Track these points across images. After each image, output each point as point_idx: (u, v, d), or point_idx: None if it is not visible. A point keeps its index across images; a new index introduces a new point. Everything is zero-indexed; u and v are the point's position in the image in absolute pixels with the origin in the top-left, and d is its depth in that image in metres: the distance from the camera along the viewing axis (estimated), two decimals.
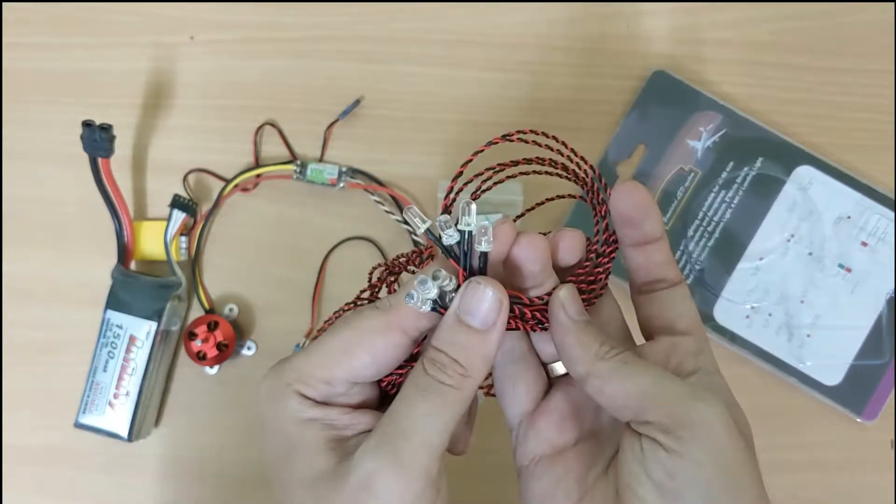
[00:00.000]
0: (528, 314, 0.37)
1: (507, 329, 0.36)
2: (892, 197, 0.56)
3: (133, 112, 0.59)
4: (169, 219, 0.55)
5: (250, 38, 0.60)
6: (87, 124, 0.51)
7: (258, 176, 0.58)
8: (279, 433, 0.36)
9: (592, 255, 0.38)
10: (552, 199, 0.45)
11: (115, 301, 0.54)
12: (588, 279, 0.38)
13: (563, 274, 0.39)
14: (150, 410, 0.55)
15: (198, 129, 0.59)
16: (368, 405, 0.38)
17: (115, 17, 0.60)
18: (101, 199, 0.54)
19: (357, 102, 0.58)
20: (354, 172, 0.57)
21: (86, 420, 0.54)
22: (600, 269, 0.38)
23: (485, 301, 0.35)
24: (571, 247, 0.38)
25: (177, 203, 0.56)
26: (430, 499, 0.35)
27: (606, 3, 0.59)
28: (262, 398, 0.37)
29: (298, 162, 0.57)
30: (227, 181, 0.57)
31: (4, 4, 0.60)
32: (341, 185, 0.56)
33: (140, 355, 0.54)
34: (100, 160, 0.53)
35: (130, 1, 0.60)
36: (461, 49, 0.59)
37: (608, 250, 0.38)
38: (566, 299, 0.36)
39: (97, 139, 0.52)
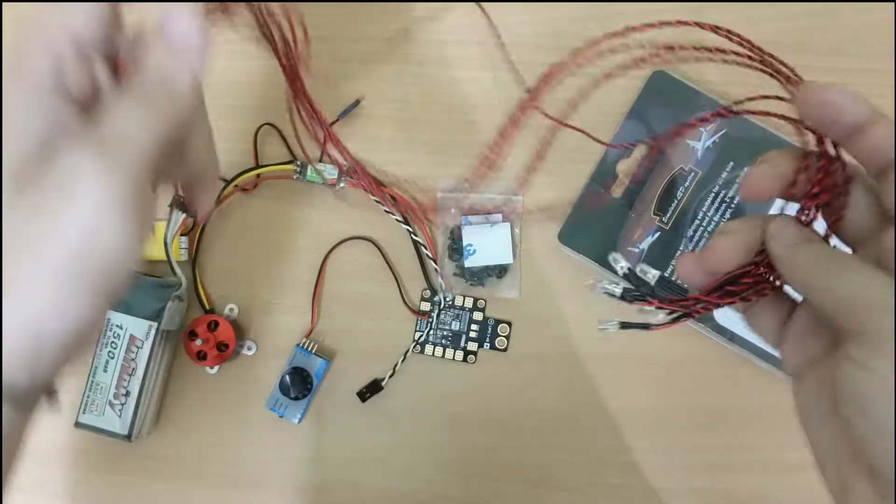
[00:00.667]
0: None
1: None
2: None
3: None
4: (169, 219, 0.55)
5: (250, 37, 0.60)
6: None
7: (258, 176, 0.58)
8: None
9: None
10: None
11: (115, 301, 0.54)
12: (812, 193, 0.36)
13: None
14: (150, 410, 0.55)
15: None
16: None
17: None
18: None
19: (357, 102, 0.58)
20: (354, 172, 0.57)
21: (85, 420, 0.54)
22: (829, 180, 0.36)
23: (186, 26, 0.34)
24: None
25: (176, 203, 0.56)
26: (140, 208, 0.32)
27: (606, 3, 0.59)
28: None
29: (298, 162, 0.57)
30: (227, 181, 0.57)
31: (4, 4, 0.60)
32: (341, 184, 0.56)
33: (140, 355, 0.54)
34: None
35: (130, 1, 0.60)
36: (461, 49, 0.59)
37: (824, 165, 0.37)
38: (773, 232, 0.35)
39: None
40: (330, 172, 0.57)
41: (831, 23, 0.58)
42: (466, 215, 0.57)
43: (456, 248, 0.57)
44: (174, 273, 0.55)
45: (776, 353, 0.54)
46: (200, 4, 0.34)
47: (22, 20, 0.39)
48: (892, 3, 0.58)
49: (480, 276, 0.57)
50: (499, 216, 0.57)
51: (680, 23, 0.37)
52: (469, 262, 0.57)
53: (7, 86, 0.32)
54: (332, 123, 0.58)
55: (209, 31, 0.34)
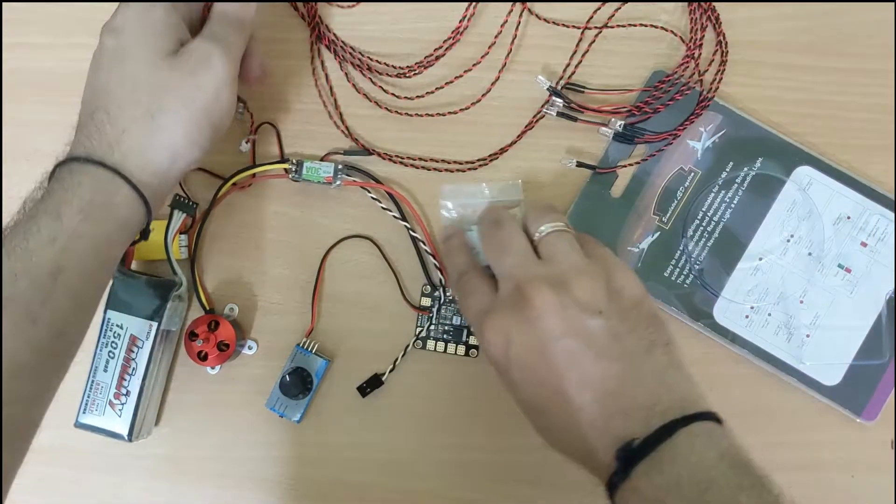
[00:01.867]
0: None
1: None
2: (892, 197, 0.56)
3: None
4: (169, 219, 0.55)
5: (252, 37, 0.60)
6: None
7: (254, 175, 0.58)
8: (139, 26, 0.47)
9: None
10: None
11: (115, 301, 0.54)
12: None
13: None
14: (150, 410, 0.55)
15: None
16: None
17: None
18: None
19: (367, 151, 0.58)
20: (350, 170, 0.57)
21: (86, 420, 0.54)
22: None
23: None
24: None
25: (177, 203, 0.56)
26: (235, 85, 0.49)
27: (606, 3, 0.58)
28: (122, 10, 0.48)
29: (294, 160, 0.57)
30: (224, 180, 0.57)
31: (4, 4, 0.60)
32: (337, 182, 0.56)
33: (141, 355, 0.54)
34: None
35: (131, 1, 0.60)
36: (460, 49, 0.59)
37: None
38: None
39: None
40: (325, 170, 0.56)
41: (831, 23, 0.59)
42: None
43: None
44: (175, 273, 0.55)
45: (779, 355, 0.54)
46: None
47: None
48: (892, 3, 0.58)
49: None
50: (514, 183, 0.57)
51: None
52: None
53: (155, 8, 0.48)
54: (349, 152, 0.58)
55: None
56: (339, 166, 0.56)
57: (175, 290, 0.55)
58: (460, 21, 0.58)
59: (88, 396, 0.54)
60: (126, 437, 0.54)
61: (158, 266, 0.57)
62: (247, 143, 0.58)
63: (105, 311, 0.54)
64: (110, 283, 0.54)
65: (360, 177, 0.57)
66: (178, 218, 0.55)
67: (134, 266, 0.57)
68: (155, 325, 0.54)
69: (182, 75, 0.46)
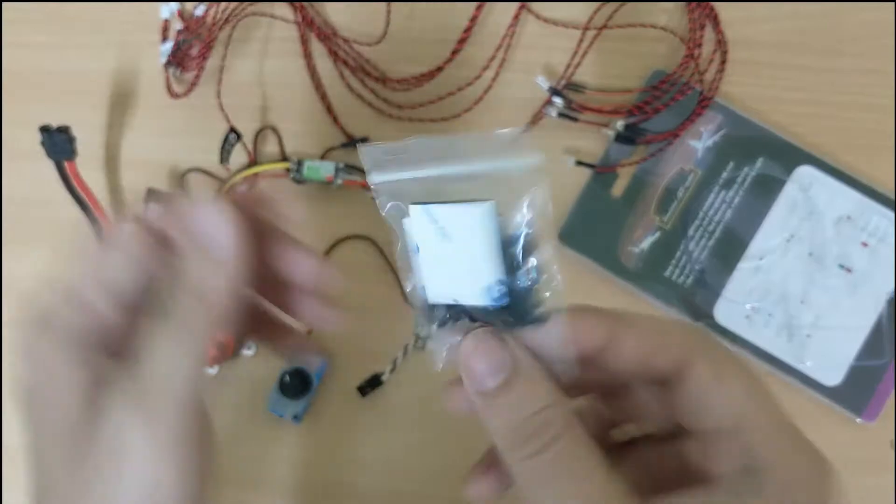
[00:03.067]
0: None
1: None
2: (893, 197, 0.56)
3: (134, 112, 0.59)
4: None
5: (250, 37, 0.60)
6: (44, 129, 0.51)
7: (255, 175, 0.58)
8: (37, 390, 0.33)
9: None
10: None
11: None
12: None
13: None
14: None
15: (197, 130, 0.58)
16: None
17: (115, 17, 0.60)
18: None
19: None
20: (351, 169, 0.57)
21: None
22: None
23: (216, 227, 0.31)
24: None
25: (152, 197, 0.56)
26: (197, 448, 0.30)
27: (606, 3, 0.58)
28: (22, 354, 0.33)
29: (295, 159, 0.57)
30: (224, 181, 0.57)
31: (4, 4, 0.60)
32: (338, 182, 0.56)
33: None
34: (65, 163, 0.52)
35: (132, 0, 0.60)
36: (461, 48, 0.59)
37: None
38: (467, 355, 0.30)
39: (57, 142, 0.52)
40: (326, 170, 0.56)
41: (831, 23, 0.58)
42: (421, 203, 0.31)
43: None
44: None
45: (780, 355, 0.54)
46: (227, 198, 0.31)
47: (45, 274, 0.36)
48: (892, 3, 0.58)
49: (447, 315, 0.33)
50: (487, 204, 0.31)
51: None
52: (430, 295, 0.33)
53: (42, 349, 0.32)
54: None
55: (242, 224, 0.31)
56: (340, 166, 0.56)
57: None
58: (464, 31, 0.58)
59: None
60: None
61: None
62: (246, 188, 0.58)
63: None
64: None
65: (360, 176, 0.57)
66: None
67: None
68: None
69: (84, 486, 0.31)
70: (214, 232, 0.30)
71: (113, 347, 0.32)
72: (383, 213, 0.32)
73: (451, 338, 0.31)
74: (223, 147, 0.56)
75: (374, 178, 0.31)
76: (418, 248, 0.31)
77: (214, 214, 0.30)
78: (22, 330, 0.32)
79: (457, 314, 0.31)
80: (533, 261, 0.29)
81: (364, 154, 0.31)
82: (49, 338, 0.32)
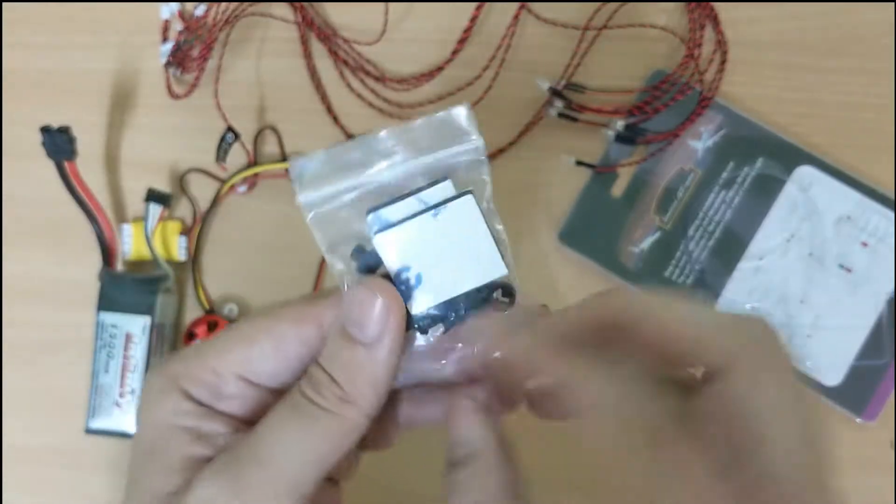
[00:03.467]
0: None
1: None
2: (893, 197, 0.56)
3: (134, 112, 0.59)
4: (146, 213, 0.55)
5: (250, 37, 0.60)
6: (45, 130, 0.51)
7: (256, 175, 0.58)
8: (145, 436, 0.31)
9: None
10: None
11: (105, 302, 0.54)
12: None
13: None
14: None
15: (197, 130, 0.58)
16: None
17: (115, 17, 0.60)
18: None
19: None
20: None
21: (96, 424, 0.54)
22: None
23: (370, 309, 0.29)
24: None
25: (151, 196, 0.56)
26: None
27: (606, 3, 0.58)
28: (143, 393, 0.32)
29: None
30: (224, 181, 0.57)
31: (4, 4, 0.60)
32: None
33: (139, 351, 0.54)
34: (66, 164, 0.52)
35: (132, 0, 0.60)
36: (461, 49, 0.59)
37: None
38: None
39: (58, 142, 0.51)
40: None
41: (831, 23, 0.58)
42: (376, 208, 0.32)
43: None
44: (159, 266, 0.55)
45: None
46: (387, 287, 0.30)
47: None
48: (892, 3, 0.58)
49: (451, 313, 0.32)
50: (444, 185, 0.32)
51: None
52: (419, 306, 0.32)
53: (162, 403, 0.31)
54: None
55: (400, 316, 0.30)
56: None
57: (163, 283, 0.55)
58: (464, 31, 0.58)
59: (95, 401, 0.54)
60: None
61: (146, 265, 0.58)
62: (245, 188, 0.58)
63: (97, 314, 0.54)
64: (98, 285, 0.55)
65: None
66: (155, 211, 0.56)
67: (133, 267, 0.57)
68: (148, 319, 0.54)
69: None
70: (368, 320, 0.30)
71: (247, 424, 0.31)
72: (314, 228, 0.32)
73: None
74: (220, 146, 0.56)
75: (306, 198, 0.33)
76: (406, 269, 0.31)
77: (370, 298, 0.30)
78: (160, 365, 0.32)
79: (446, 316, 0.32)
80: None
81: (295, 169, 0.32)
82: (167, 381, 0.31)
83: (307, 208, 0.32)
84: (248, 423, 0.31)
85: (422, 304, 0.31)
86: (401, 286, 0.31)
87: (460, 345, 0.32)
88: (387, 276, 0.31)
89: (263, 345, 0.31)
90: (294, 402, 0.29)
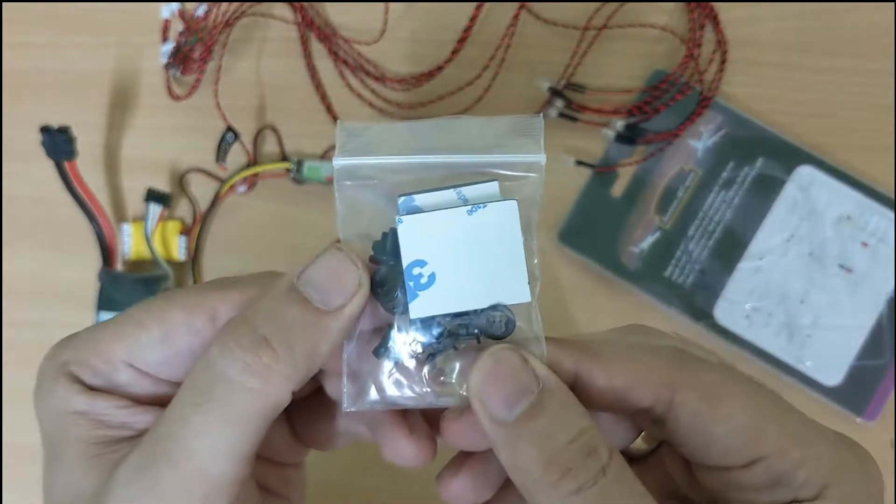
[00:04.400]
0: None
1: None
2: (893, 197, 0.56)
3: (134, 112, 0.59)
4: (146, 213, 0.55)
5: (250, 37, 0.60)
6: (45, 130, 0.51)
7: (255, 175, 0.58)
8: (46, 434, 0.29)
9: None
10: None
11: (105, 302, 0.54)
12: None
13: None
14: None
15: (197, 130, 0.58)
16: (160, 403, 0.28)
17: (114, 17, 0.60)
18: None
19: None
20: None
21: None
22: None
23: (344, 276, 0.27)
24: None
25: (151, 196, 0.56)
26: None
27: (606, 3, 0.58)
28: (36, 385, 0.30)
29: (295, 159, 0.57)
30: (223, 181, 0.57)
31: (4, 4, 0.60)
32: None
33: None
34: (66, 164, 0.52)
35: (131, 0, 0.60)
36: (461, 49, 0.59)
37: None
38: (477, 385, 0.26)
39: (58, 142, 0.51)
40: (327, 169, 0.56)
41: (831, 23, 0.58)
42: (410, 193, 0.29)
43: (382, 283, 0.29)
44: (159, 266, 0.55)
45: (780, 355, 0.54)
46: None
47: None
48: (892, 3, 0.58)
49: (458, 338, 0.29)
50: (489, 186, 0.29)
51: None
52: (420, 309, 0.28)
53: (53, 388, 0.29)
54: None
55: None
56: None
57: (163, 282, 0.55)
58: (464, 31, 0.58)
59: None
60: None
61: (146, 265, 0.58)
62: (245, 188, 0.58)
63: (97, 314, 0.54)
64: (98, 285, 0.55)
65: None
66: (155, 211, 0.56)
67: (133, 267, 0.57)
68: None
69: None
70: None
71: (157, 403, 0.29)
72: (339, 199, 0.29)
73: (452, 361, 0.28)
74: (220, 146, 0.56)
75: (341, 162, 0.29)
76: (420, 263, 0.28)
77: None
78: (40, 374, 0.30)
79: (454, 330, 0.28)
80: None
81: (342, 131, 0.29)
82: (57, 367, 0.29)
83: (341, 175, 0.29)
84: (142, 403, 0.29)
85: (425, 308, 0.28)
86: (409, 281, 0.27)
87: (442, 378, 0.28)
88: (393, 270, 0.28)
89: (152, 331, 0.28)
90: (201, 379, 0.26)
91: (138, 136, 0.59)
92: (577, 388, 0.27)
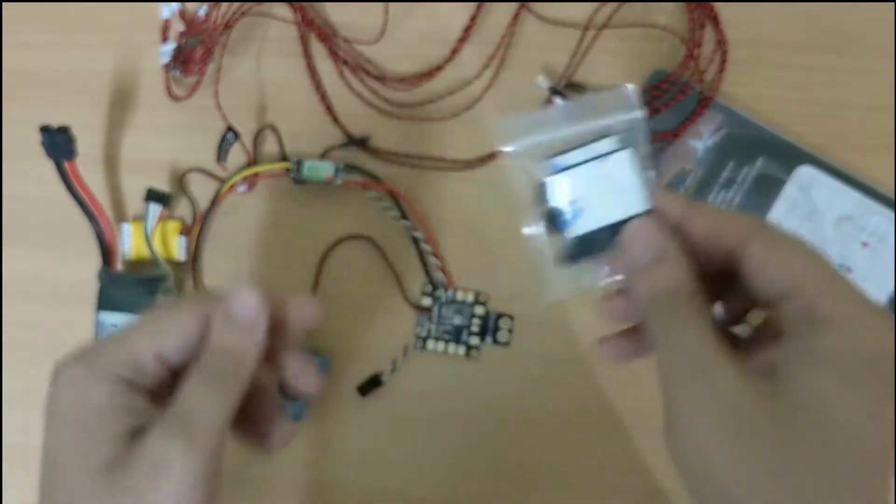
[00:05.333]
0: None
1: None
2: (893, 197, 0.56)
3: (134, 112, 0.59)
4: (146, 213, 0.55)
5: (250, 37, 0.60)
6: (44, 129, 0.51)
7: (255, 175, 0.58)
8: (76, 421, 0.36)
9: None
10: None
11: (105, 302, 0.54)
12: None
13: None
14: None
15: (197, 130, 0.58)
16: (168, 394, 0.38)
17: (114, 17, 0.60)
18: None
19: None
20: (351, 169, 0.57)
21: None
22: None
23: (245, 305, 0.38)
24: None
25: (150, 196, 0.56)
26: (216, 477, 0.36)
27: (606, 2, 0.58)
28: (63, 384, 0.36)
29: (294, 159, 0.57)
30: (223, 180, 0.57)
31: (4, 4, 0.60)
32: (338, 182, 0.56)
33: None
34: (65, 163, 0.52)
35: (132, 0, 0.60)
36: (461, 48, 0.59)
37: None
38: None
39: (58, 142, 0.51)
40: (326, 169, 0.56)
41: (831, 23, 0.58)
42: (554, 157, 0.39)
43: (548, 216, 0.40)
44: (159, 266, 0.55)
45: None
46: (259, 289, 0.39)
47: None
48: (892, 3, 0.58)
49: (594, 245, 0.39)
50: (609, 141, 0.39)
51: None
52: (576, 230, 0.39)
53: (91, 389, 0.36)
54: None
55: (267, 309, 0.39)
56: (340, 165, 0.56)
57: (162, 283, 0.55)
58: (464, 31, 0.58)
59: None
60: None
61: (145, 266, 0.58)
62: (245, 188, 0.58)
63: (97, 314, 0.54)
64: (98, 285, 0.55)
65: (360, 176, 0.57)
66: (155, 211, 0.56)
67: (132, 267, 0.57)
68: None
69: (125, 498, 0.34)
70: (248, 308, 0.38)
71: (153, 397, 0.38)
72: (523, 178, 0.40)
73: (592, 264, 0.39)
74: (220, 146, 0.56)
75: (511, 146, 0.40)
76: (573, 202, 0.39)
77: (249, 296, 0.38)
78: (67, 361, 0.37)
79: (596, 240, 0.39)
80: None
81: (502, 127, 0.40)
82: (94, 370, 0.36)
83: (509, 157, 0.40)
84: (157, 396, 0.37)
85: (579, 229, 0.39)
86: (565, 216, 0.39)
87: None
88: (550, 212, 0.39)
89: (174, 328, 0.37)
90: (206, 369, 0.37)
91: (138, 136, 0.59)
92: (685, 226, 0.37)
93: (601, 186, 0.39)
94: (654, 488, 0.56)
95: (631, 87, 0.39)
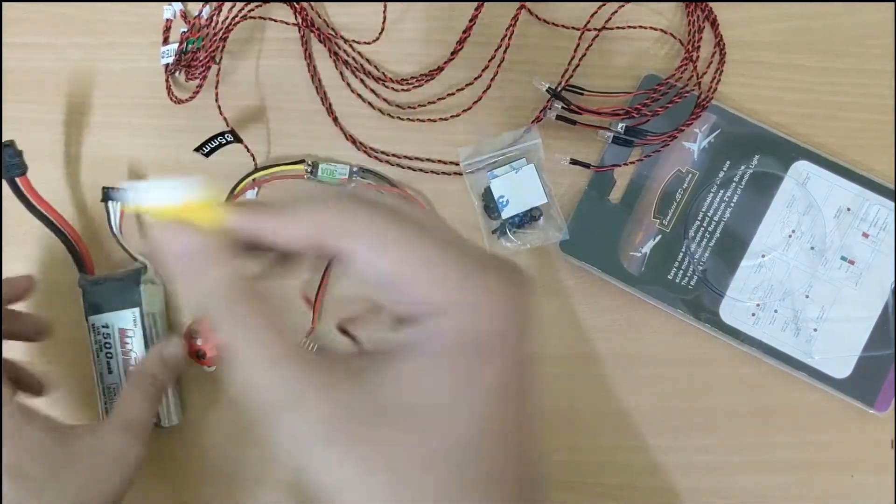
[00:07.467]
0: None
1: None
2: (892, 187, 0.56)
3: (136, 112, 0.59)
4: (106, 212, 0.56)
5: (251, 38, 0.60)
6: None
7: (254, 181, 0.57)
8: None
9: None
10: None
11: (91, 306, 0.54)
12: None
13: None
14: (169, 395, 0.55)
15: (197, 130, 0.58)
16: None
17: (114, 17, 0.60)
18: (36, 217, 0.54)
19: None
20: (365, 172, 0.57)
21: None
22: None
23: (171, 352, 0.53)
24: None
25: (106, 195, 0.56)
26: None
27: (602, 3, 0.59)
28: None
29: (309, 161, 0.56)
30: (239, 180, 0.57)
31: (4, 4, 0.60)
32: (352, 184, 0.56)
33: (136, 342, 0.53)
34: (17, 180, 0.52)
35: (131, 0, 0.60)
36: (461, 49, 0.59)
37: None
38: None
39: (5, 161, 0.51)
40: (341, 171, 0.56)
41: (831, 23, 0.59)
42: (491, 170, 0.58)
43: (489, 206, 0.58)
44: (134, 259, 0.56)
45: (788, 351, 0.54)
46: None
47: None
48: (892, 3, 0.59)
49: (521, 223, 0.57)
50: (522, 160, 0.58)
51: None
52: (505, 213, 0.57)
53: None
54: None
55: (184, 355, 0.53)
56: (355, 168, 0.56)
57: (141, 275, 0.55)
58: (464, 31, 0.58)
59: (105, 404, 0.54)
60: (155, 425, 0.54)
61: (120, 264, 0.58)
62: (255, 189, 0.58)
63: (87, 319, 0.54)
64: (81, 293, 0.55)
65: (374, 179, 0.57)
66: (115, 209, 0.55)
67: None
68: (137, 310, 0.54)
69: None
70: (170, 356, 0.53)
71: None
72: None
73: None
74: (210, 140, 0.55)
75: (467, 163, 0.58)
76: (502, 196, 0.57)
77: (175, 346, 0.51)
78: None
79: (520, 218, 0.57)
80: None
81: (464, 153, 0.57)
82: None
83: (465, 169, 0.58)
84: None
85: (507, 214, 0.57)
86: (499, 204, 0.57)
87: None
88: (489, 204, 0.58)
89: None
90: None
91: (138, 136, 0.59)
92: (276, 237, 0.32)
93: (518, 187, 0.57)
94: (654, 488, 0.55)
95: (534, 126, 0.58)
